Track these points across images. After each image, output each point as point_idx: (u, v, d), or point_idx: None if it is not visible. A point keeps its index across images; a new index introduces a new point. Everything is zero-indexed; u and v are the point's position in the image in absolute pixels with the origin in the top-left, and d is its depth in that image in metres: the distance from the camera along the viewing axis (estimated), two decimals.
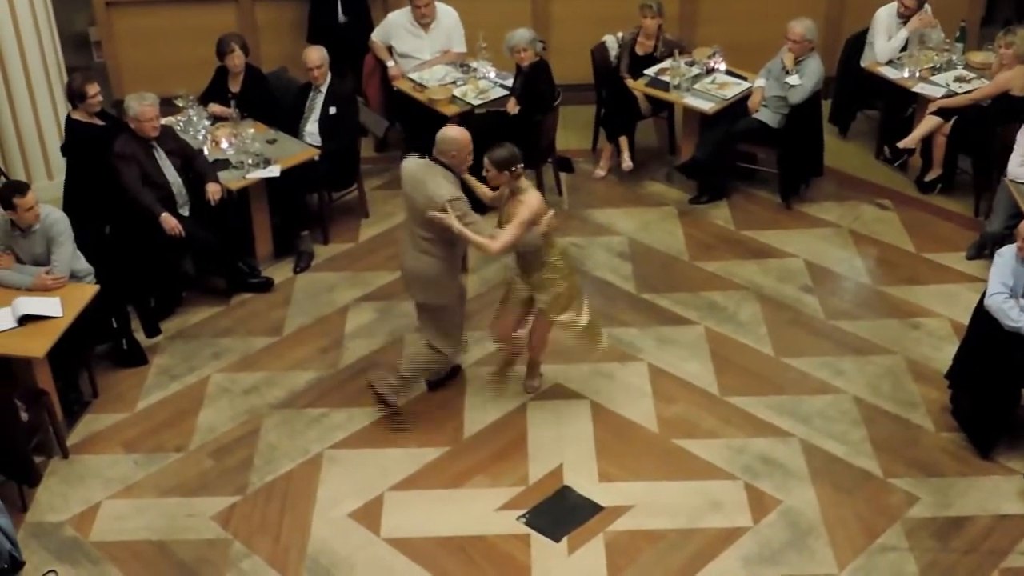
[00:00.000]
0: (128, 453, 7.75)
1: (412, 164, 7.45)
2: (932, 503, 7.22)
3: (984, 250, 9.35)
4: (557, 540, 7.00)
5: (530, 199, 7.26)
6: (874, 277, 9.36)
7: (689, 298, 9.12)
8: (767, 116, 10.07)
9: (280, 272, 9.56)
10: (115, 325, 8.46)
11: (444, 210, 7.10)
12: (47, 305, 7.66)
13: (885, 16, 10.64)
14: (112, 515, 7.27)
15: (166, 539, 7.09)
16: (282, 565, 6.90)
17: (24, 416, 7.32)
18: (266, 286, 9.38)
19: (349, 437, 7.84)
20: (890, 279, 9.32)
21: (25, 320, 7.55)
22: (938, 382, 8.01)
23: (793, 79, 9.88)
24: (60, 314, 7.62)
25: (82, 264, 8.13)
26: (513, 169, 7.22)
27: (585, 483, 7.40)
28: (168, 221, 8.70)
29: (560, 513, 7.19)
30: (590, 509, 7.21)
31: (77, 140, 9.10)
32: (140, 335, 8.69)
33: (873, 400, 8.04)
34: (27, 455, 7.40)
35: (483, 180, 7.54)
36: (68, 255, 7.95)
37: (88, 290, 7.95)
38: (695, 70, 10.47)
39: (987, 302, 7.35)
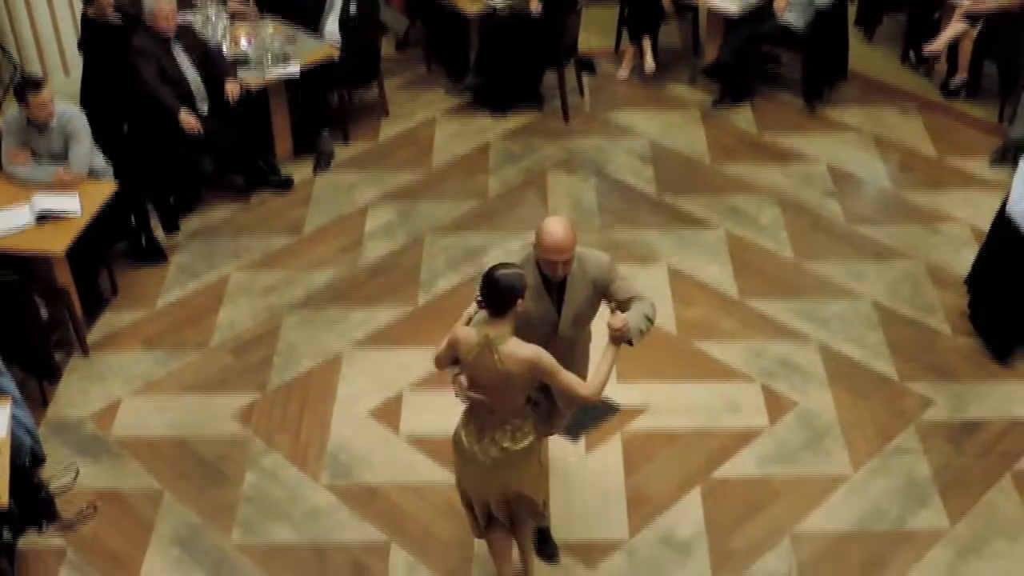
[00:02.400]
0: (148, 350, 7.79)
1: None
2: (947, 407, 7.24)
3: (1007, 156, 9.27)
4: (575, 440, 7.05)
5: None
6: (896, 182, 9.31)
7: (710, 201, 9.09)
8: (793, 18, 9.95)
9: (300, 171, 9.54)
10: (134, 223, 8.47)
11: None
12: (65, 202, 7.66)
13: None
14: (133, 412, 7.34)
15: (187, 436, 7.16)
16: (302, 462, 6.97)
17: (44, 313, 7.37)
18: (286, 185, 9.37)
19: (369, 336, 7.88)
20: (912, 184, 9.27)
21: (43, 217, 7.55)
22: (957, 287, 8.00)
23: None
24: (79, 211, 7.62)
25: (100, 161, 8.11)
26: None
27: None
28: (187, 118, 8.66)
29: (578, 414, 7.19)
30: (608, 409, 7.25)
31: (93, 36, 9.04)
32: (159, 233, 8.71)
33: (891, 304, 8.04)
34: (47, 351, 7.46)
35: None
36: (86, 152, 7.93)
37: (106, 187, 7.94)
38: None
39: (1009, 209, 7.31)
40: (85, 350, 7.74)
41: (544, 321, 5.54)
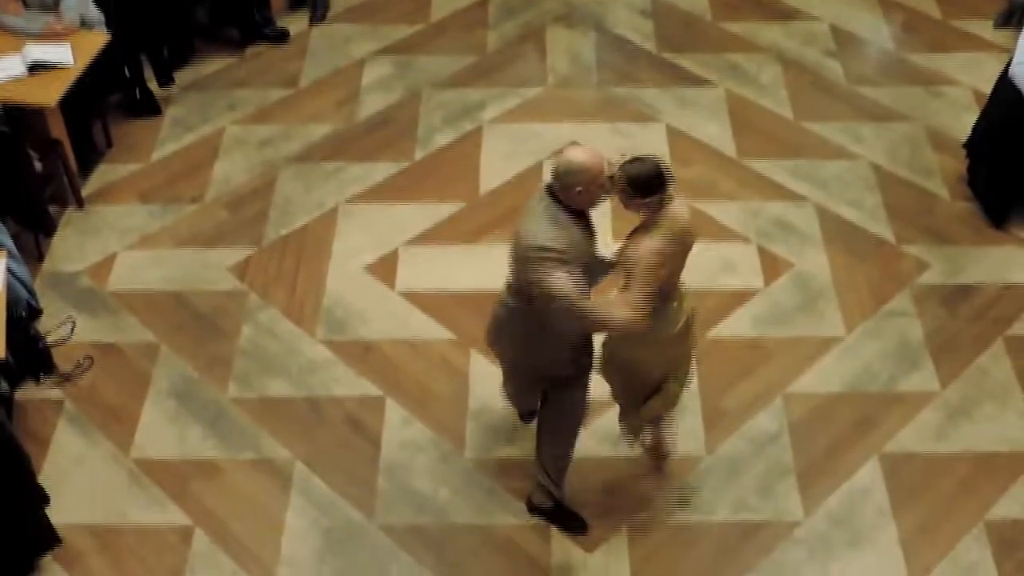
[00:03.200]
0: (143, 204, 7.77)
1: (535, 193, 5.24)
2: (942, 270, 7.25)
3: (1012, 19, 9.14)
4: None
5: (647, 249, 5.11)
6: (899, 43, 9.19)
7: (710, 59, 8.98)
8: None
9: (296, 23, 9.40)
10: (128, 74, 8.37)
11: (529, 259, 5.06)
12: (57, 52, 7.54)
13: None
14: (128, 265, 7.34)
15: (183, 289, 7.17)
16: (298, 317, 7.00)
17: (38, 165, 7.31)
18: (282, 37, 9.23)
19: (365, 191, 7.84)
20: (915, 46, 9.15)
21: (35, 68, 7.44)
22: (956, 151, 7.95)
23: None
24: (71, 62, 7.51)
25: (92, 12, 7.96)
26: (658, 195, 5.05)
27: (601, 242, 7.40)
28: None
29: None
30: (604, 267, 7.23)
31: None
32: (153, 85, 8.61)
33: (890, 167, 8.00)
34: (42, 204, 7.43)
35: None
36: (77, 1, 7.78)
37: (99, 38, 7.81)
38: None
39: (1011, 71, 7.22)
40: (80, 203, 7.71)
41: (591, 256, 5.31)
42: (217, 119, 8.45)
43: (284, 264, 7.33)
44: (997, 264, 7.32)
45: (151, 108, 8.48)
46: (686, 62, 8.94)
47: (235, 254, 7.40)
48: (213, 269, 7.30)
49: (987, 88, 7.81)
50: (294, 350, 6.81)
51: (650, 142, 8.11)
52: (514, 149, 8.13)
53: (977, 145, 7.69)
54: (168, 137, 8.30)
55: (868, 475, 6.14)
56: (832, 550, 5.81)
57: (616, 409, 5.95)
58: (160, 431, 6.39)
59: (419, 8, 9.58)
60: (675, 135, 8.25)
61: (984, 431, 6.39)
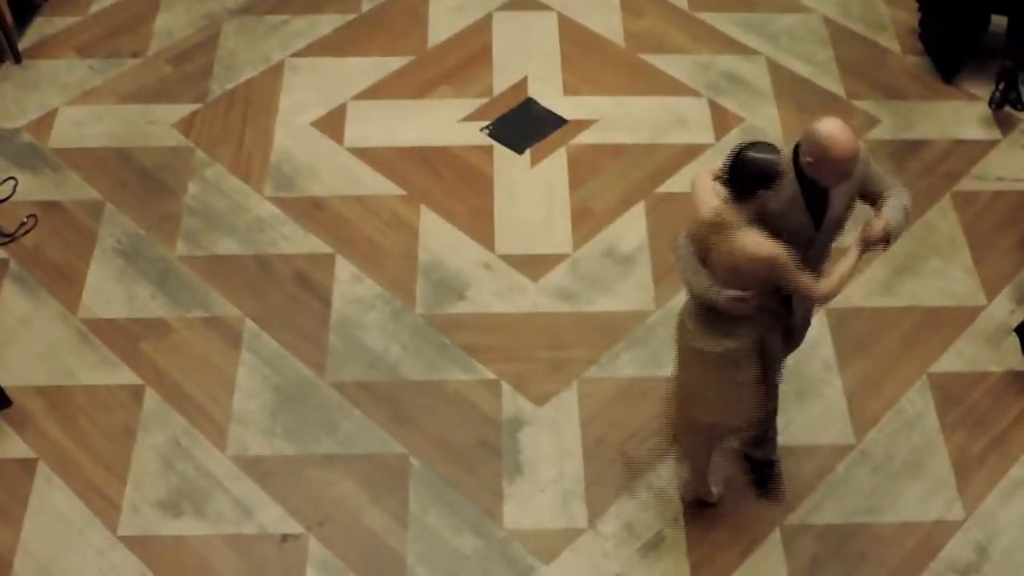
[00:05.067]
0: (83, 58, 7.59)
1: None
2: (892, 125, 7.25)
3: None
4: (520, 152, 7.03)
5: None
6: None
7: None
8: None
9: None
10: None
11: None
12: None
13: None
14: (70, 121, 7.20)
15: (127, 146, 7.06)
16: (245, 173, 6.92)
17: None
18: None
19: (311, 44, 7.71)
20: None
21: None
22: (908, 3, 7.87)
23: None
24: None
25: None
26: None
27: (550, 96, 7.37)
28: None
29: (524, 125, 7.19)
30: (554, 122, 7.21)
31: None
32: None
33: (843, 21, 7.94)
34: None
35: None
36: None
37: None
38: None
39: None
40: (17, 57, 7.52)
41: (798, 234, 4.63)
42: None
43: (230, 120, 7.23)
44: (947, 119, 7.32)
45: None
46: None
47: (179, 110, 7.27)
48: (157, 125, 7.18)
49: None
50: (242, 207, 6.74)
51: None
52: (464, 1, 7.99)
53: None
54: None
55: (815, 329, 6.15)
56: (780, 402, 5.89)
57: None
58: (108, 290, 6.35)
59: None
60: None
61: (930, 286, 6.46)
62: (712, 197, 4.59)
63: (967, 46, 7.49)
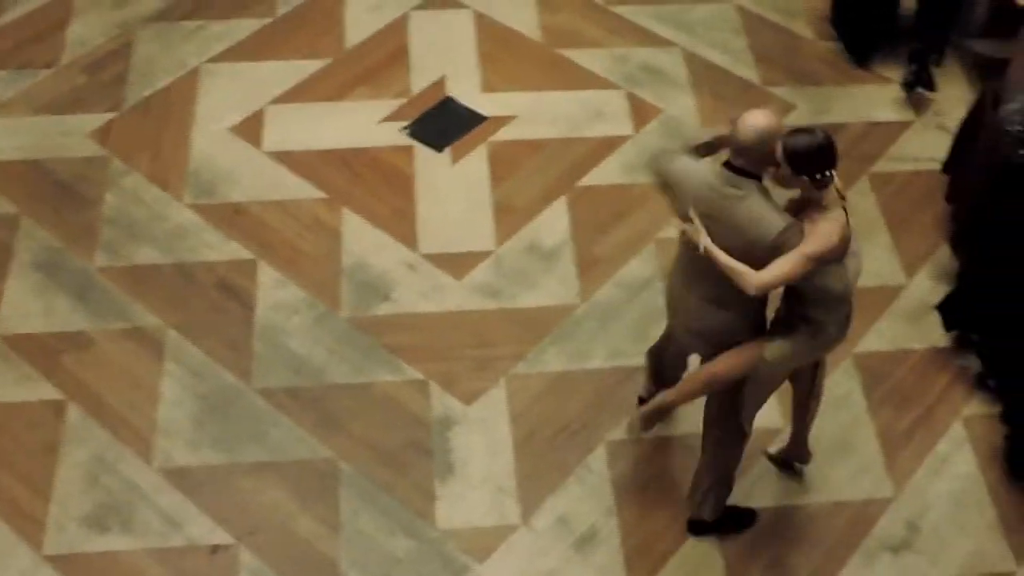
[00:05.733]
0: None
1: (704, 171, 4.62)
2: (808, 110, 7.32)
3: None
4: (440, 150, 7.02)
5: (831, 224, 4.48)
6: None
7: None
8: None
9: None
10: None
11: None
12: None
13: None
14: None
15: (41, 158, 6.95)
16: (163, 181, 6.85)
17: None
18: None
19: (227, 50, 7.64)
20: None
21: None
22: None
23: None
24: None
25: None
26: (822, 174, 4.44)
27: (468, 93, 7.36)
28: None
29: (443, 124, 7.18)
30: (473, 119, 7.21)
31: None
32: None
33: (756, 9, 8.01)
34: None
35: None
36: None
37: None
38: None
39: None
40: None
41: None
42: None
43: (147, 127, 7.15)
44: (861, 102, 7.41)
45: None
46: None
47: (95, 119, 7.19)
48: (73, 135, 7.09)
49: None
50: (161, 215, 6.68)
51: None
52: (379, 1, 7.96)
53: None
54: None
55: None
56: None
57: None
58: (26, 304, 6.25)
59: None
60: None
61: None
62: None
63: (878, 30, 7.59)
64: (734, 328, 4.81)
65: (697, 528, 5.48)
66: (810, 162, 4.39)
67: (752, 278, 4.41)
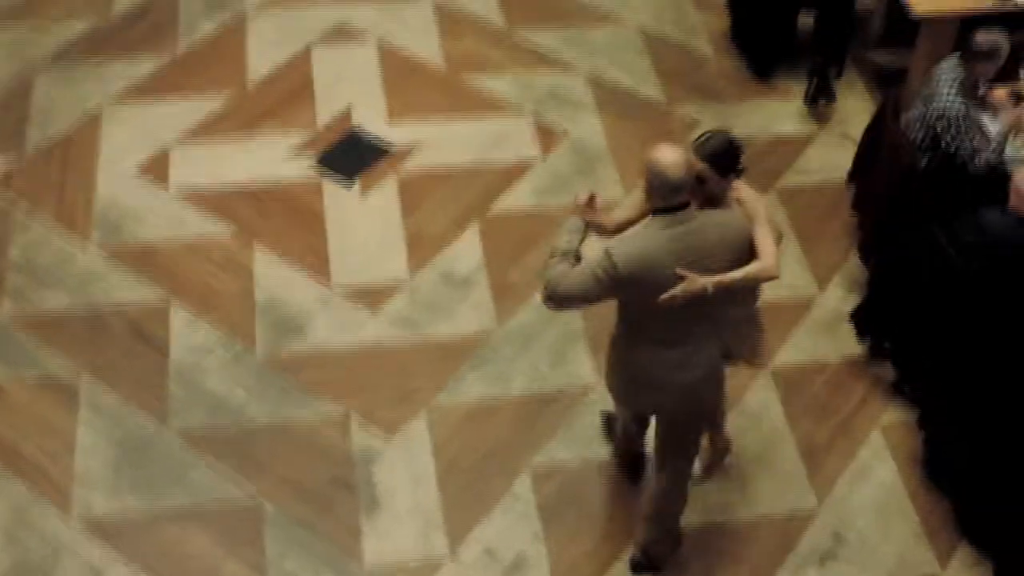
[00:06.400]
0: None
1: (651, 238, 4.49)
2: (712, 126, 7.31)
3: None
4: (349, 183, 6.99)
5: (745, 191, 4.86)
6: None
7: None
8: None
9: None
10: None
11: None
12: None
13: None
14: None
15: None
16: (69, 222, 6.75)
17: None
18: None
19: (129, 88, 7.55)
20: None
21: None
22: (719, 9, 8.08)
23: None
24: None
25: None
26: (739, 164, 4.81)
27: (375, 124, 7.35)
28: None
29: (351, 156, 7.15)
30: (380, 150, 7.19)
31: None
32: None
33: (657, 29, 8.09)
34: None
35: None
36: None
37: None
38: None
39: None
40: None
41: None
42: None
43: (50, 171, 7.04)
44: (764, 117, 7.52)
45: None
46: None
47: None
48: None
49: None
50: (69, 260, 6.58)
51: (419, 19, 8.02)
52: (281, 35, 7.93)
53: (738, 1, 7.81)
54: None
55: None
56: None
57: None
58: None
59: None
60: (442, 10, 8.14)
61: None
62: None
63: (778, 45, 7.70)
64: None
65: (640, 567, 5.46)
66: (731, 157, 4.70)
67: (769, 266, 4.63)
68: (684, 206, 4.42)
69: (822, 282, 6.65)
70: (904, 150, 6.07)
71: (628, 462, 5.77)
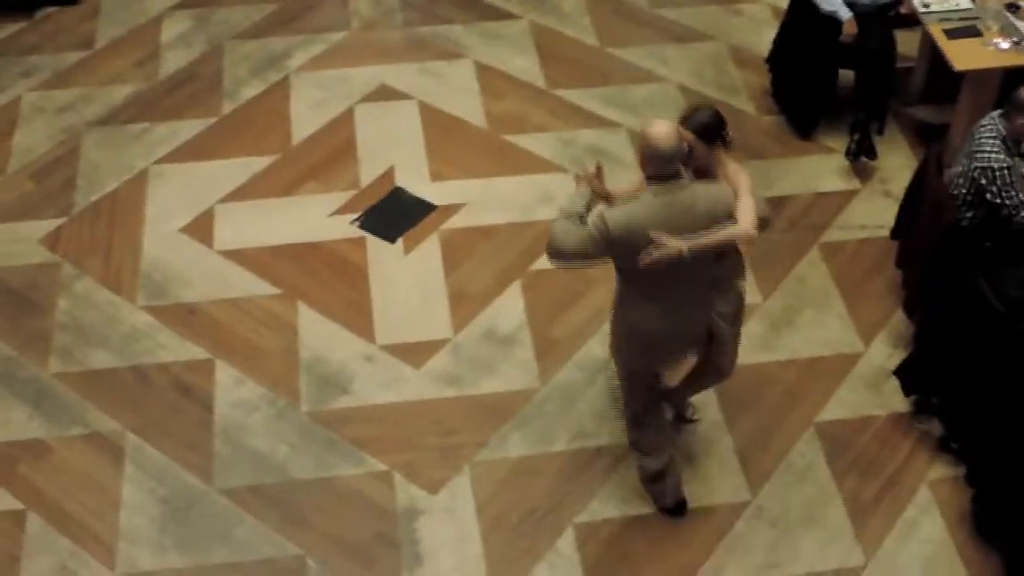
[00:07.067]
0: None
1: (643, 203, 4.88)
2: (755, 184, 7.32)
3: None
4: (392, 241, 7.03)
5: (732, 164, 5.29)
6: None
7: None
8: None
9: None
10: None
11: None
12: None
13: None
14: None
15: None
16: (115, 284, 6.81)
17: None
18: None
19: (174, 151, 7.65)
20: None
21: None
22: (759, 66, 8.11)
23: None
24: None
25: None
26: (727, 134, 5.26)
27: (417, 183, 7.40)
28: None
29: (394, 214, 7.20)
30: (423, 208, 7.23)
31: None
32: None
33: (697, 86, 8.12)
34: None
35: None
36: None
37: None
38: None
39: None
40: None
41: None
42: (12, 88, 8.12)
43: (96, 232, 7.12)
44: (806, 173, 7.51)
45: None
46: None
47: (44, 225, 7.15)
48: (22, 243, 7.04)
49: (783, 2, 7.95)
50: (115, 319, 6.63)
51: (460, 79, 8.09)
52: (324, 96, 8.02)
53: (778, 58, 7.84)
54: None
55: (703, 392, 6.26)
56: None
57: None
58: None
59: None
60: (484, 70, 8.23)
61: (807, 337, 6.57)
62: None
63: (819, 102, 7.70)
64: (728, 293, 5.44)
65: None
66: (717, 128, 5.16)
67: (747, 225, 4.96)
68: (676, 176, 4.82)
69: (867, 338, 6.60)
70: (947, 206, 6.05)
71: (674, 504, 5.80)
